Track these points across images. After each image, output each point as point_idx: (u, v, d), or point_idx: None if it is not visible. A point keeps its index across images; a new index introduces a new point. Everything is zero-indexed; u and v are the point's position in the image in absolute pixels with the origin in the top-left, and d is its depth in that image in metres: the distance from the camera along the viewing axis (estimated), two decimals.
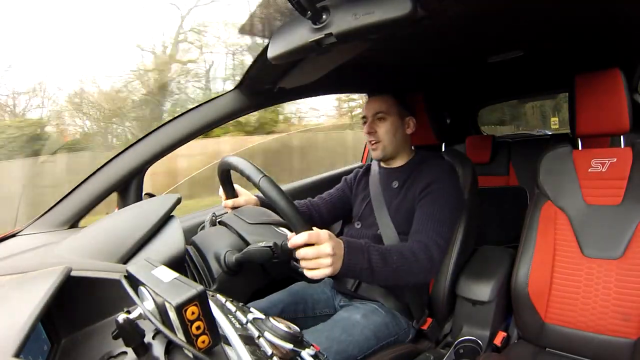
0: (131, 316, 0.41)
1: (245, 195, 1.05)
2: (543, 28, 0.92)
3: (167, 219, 0.73)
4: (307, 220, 1.15)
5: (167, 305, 0.39)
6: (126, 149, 1.03)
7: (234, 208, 1.00)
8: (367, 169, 1.29)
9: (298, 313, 1.12)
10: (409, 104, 1.22)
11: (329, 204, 1.28)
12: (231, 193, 1.02)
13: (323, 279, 0.78)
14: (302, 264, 0.75)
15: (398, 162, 1.20)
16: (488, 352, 1.09)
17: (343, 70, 0.99)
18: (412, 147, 1.24)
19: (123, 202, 1.04)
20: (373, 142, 1.17)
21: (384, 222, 1.12)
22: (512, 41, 1.03)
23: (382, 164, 1.23)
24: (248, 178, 0.72)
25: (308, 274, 0.75)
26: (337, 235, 0.84)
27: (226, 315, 0.49)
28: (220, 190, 1.03)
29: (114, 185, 1.01)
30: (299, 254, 0.73)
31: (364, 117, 1.20)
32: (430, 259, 0.96)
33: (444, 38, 0.92)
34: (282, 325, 0.50)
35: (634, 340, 0.95)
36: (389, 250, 0.91)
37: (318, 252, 0.73)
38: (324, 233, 0.75)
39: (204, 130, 1.10)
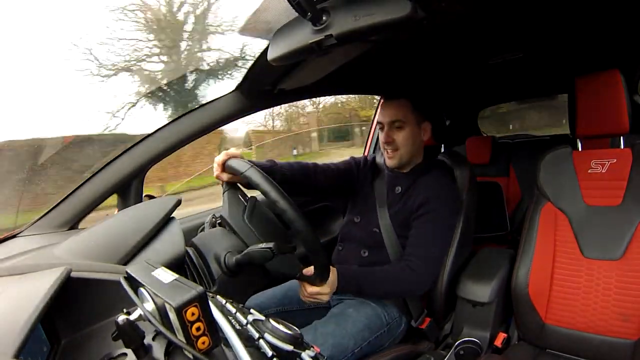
0: (131, 317, 0.41)
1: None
2: (543, 29, 0.92)
3: (167, 220, 0.73)
4: (304, 181, 1.15)
5: (167, 306, 0.39)
6: (126, 150, 1.03)
7: (225, 181, 0.92)
8: (374, 163, 1.27)
9: (292, 306, 1.15)
10: (425, 108, 1.17)
11: (335, 174, 1.23)
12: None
13: None
14: (304, 294, 0.91)
15: (407, 168, 1.18)
16: (488, 353, 1.09)
17: (343, 72, 0.99)
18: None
19: (123, 204, 1.04)
20: (390, 151, 1.13)
21: (385, 223, 1.13)
22: (512, 42, 1.04)
23: (395, 169, 1.20)
24: (289, 222, 0.75)
25: (303, 299, 0.93)
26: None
27: (226, 317, 0.48)
28: (219, 157, 0.91)
29: (114, 186, 1.01)
30: (303, 294, 0.92)
31: (380, 123, 1.15)
32: (417, 282, 1.04)
33: (444, 39, 0.93)
34: (282, 327, 0.50)
35: (634, 341, 0.95)
36: (379, 277, 1.01)
37: (318, 299, 0.91)
38: (329, 287, 0.90)
39: (204, 131, 1.10)
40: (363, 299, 1.09)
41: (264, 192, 0.77)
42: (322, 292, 0.89)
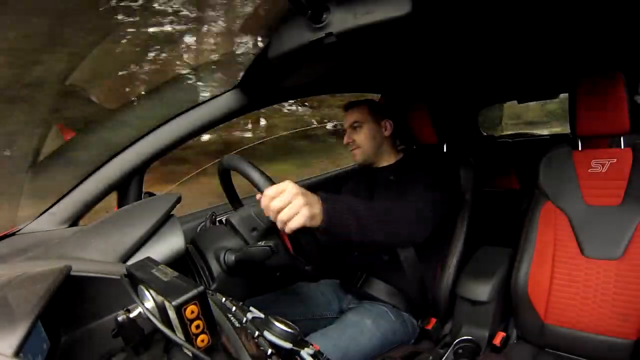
0: (131, 315, 0.41)
1: None
2: (545, 30, 0.92)
3: (167, 218, 0.73)
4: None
5: (166, 304, 0.39)
6: (126, 147, 1.03)
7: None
8: (354, 175, 1.33)
9: (297, 315, 1.11)
10: (385, 108, 1.26)
11: None
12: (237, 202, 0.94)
13: (316, 258, 0.74)
14: (278, 218, 0.69)
15: (386, 162, 1.24)
16: (487, 352, 1.09)
17: (343, 70, 0.99)
18: (402, 147, 1.29)
19: (123, 201, 1.04)
20: (353, 149, 1.22)
21: None
22: (513, 42, 1.03)
23: (372, 166, 1.26)
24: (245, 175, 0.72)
25: (288, 225, 0.69)
26: None
27: (225, 314, 0.49)
28: None
29: (114, 184, 1.01)
30: (273, 208, 0.69)
31: (344, 130, 1.25)
32: (415, 218, 0.94)
33: (445, 38, 0.92)
34: (281, 325, 0.50)
35: (633, 341, 0.95)
36: (373, 203, 0.93)
37: (288, 198, 0.69)
38: (285, 182, 0.71)
39: (204, 129, 1.10)
40: (383, 309, 1.08)
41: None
42: (283, 186, 0.69)
